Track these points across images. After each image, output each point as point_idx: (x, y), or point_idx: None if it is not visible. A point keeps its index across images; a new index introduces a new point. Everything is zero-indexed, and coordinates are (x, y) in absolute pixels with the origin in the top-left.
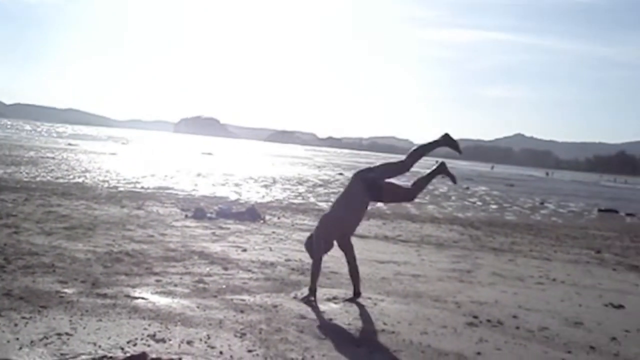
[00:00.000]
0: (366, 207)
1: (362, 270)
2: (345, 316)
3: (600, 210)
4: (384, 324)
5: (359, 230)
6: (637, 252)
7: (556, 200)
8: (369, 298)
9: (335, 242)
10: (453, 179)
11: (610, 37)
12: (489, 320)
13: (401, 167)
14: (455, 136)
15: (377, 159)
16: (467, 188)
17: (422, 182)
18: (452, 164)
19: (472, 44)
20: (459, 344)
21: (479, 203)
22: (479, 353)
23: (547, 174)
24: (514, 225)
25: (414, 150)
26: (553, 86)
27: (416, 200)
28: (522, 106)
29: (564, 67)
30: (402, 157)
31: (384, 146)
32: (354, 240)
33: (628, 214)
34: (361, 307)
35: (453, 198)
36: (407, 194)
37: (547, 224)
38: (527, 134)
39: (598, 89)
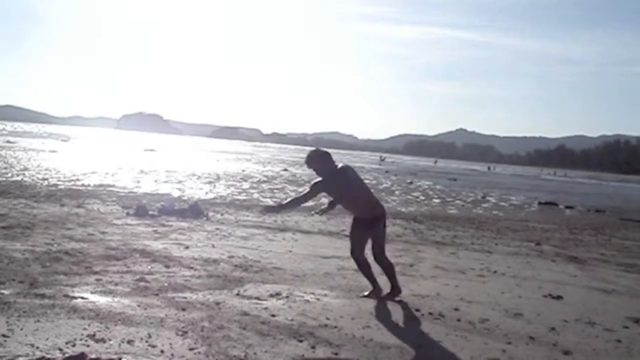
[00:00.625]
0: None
1: (306, 265)
2: (288, 312)
3: (540, 203)
4: (327, 318)
5: (303, 226)
6: (576, 244)
7: (498, 194)
8: (312, 293)
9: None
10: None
11: (550, 33)
12: (430, 313)
13: None
14: (399, 131)
15: None
16: (411, 183)
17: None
18: (396, 159)
19: (417, 40)
20: (401, 337)
21: (422, 197)
22: (420, 346)
23: (489, 168)
24: (456, 218)
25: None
26: (495, 82)
27: None
28: (465, 101)
29: (506, 63)
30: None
31: (329, 141)
32: (298, 235)
33: (567, 207)
34: (304, 302)
35: (397, 193)
36: None
37: (488, 217)
38: (470, 129)
39: (539, 85)
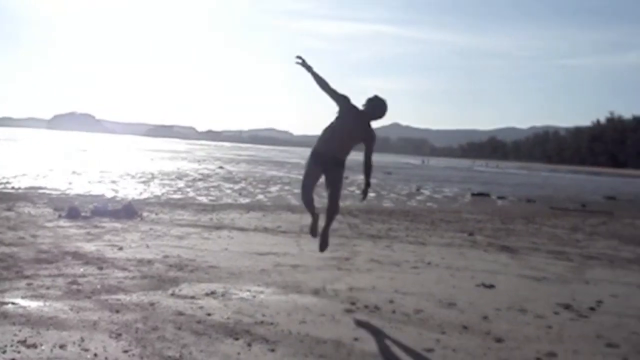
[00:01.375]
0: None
1: (242, 263)
2: (224, 310)
3: (473, 195)
4: (263, 315)
5: (239, 223)
6: (508, 234)
7: (432, 186)
8: (248, 290)
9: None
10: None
11: (481, 27)
12: (366, 306)
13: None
14: None
15: (258, 150)
16: (347, 177)
17: None
18: None
19: (349, 36)
20: (337, 331)
21: (358, 191)
22: (356, 339)
23: (423, 161)
24: (391, 212)
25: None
26: (427, 76)
27: (296, 190)
28: (398, 96)
29: (437, 57)
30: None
31: (264, 138)
32: (234, 233)
33: (499, 197)
34: (240, 300)
35: None
36: None
37: (422, 210)
38: (403, 123)
39: (470, 78)
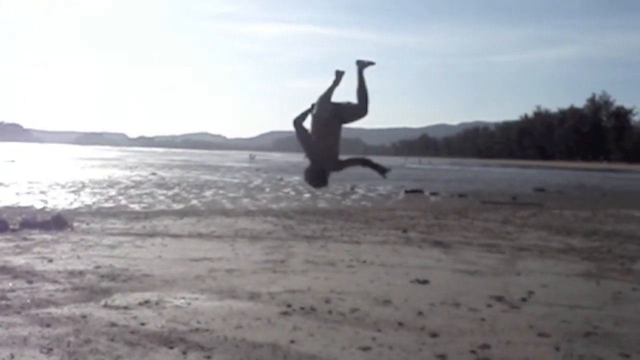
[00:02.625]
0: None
1: (176, 270)
2: (158, 319)
3: (406, 192)
4: (198, 322)
5: (173, 230)
6: (441, 229)
7: (366, 185)
8: (183, 298)
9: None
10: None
11: (410, 26)
12: (302, 308)
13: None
14: (268, 129)
15: (192, 155)
16: (281, 179)
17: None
18: (266, 156)
19: (279, 37)
20: (273, 334)
21: (293, 193)
22: (292, 341)
23: None
24: (325, 212)
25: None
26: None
27: (230, 194)
28: None
29: (369, 56)
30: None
31: (198, 142)
32: (167, 240)
33: (432, 193)
34: (175, 307)
35: (267, 190)
36: None
37: (357, 209)
38: None
39: (399, 77)
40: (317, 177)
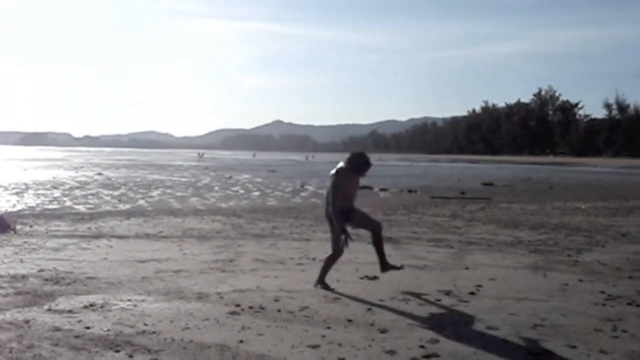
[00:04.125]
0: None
1: (122, 272)
2: (103, 322)
3: None
4: (145, 324)
5: (119, 230)
6: (390, 224)
7: (316, 182)
8: (129, 300)
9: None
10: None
11: (358, 22)
12: (251, 307)
13: None
14: (216, 127)
15: (139, 155)
16: (230, 177)
17: None
18: (215, 154)
19: (230, 34)
20: (221, 334)
21: (242, 191)
22: (241, 341)
23: (307, 157)
24: (275, 210)
25: None
26: (307, 73)
27: (178, 193)
28: (279, 93)
29: (316, 53)
30: None
31: (145, 141)
32: (113, 241)
33: (381, 189)
34: (121, 310)
35: (216, 189)
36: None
37: (307, 206)
38: (286, 120)
39: (348, 73)
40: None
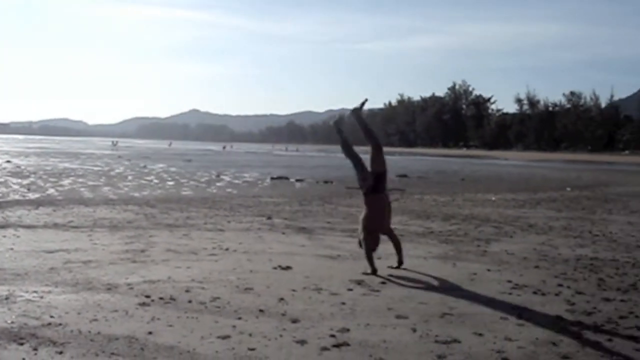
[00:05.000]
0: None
1: (29, 262)
2: (7, 314)
3: (272, 179)
4: (51, 316)
5: (27, 220)
6: (305, 215)
7: (232, 172)
8: (35, 292)
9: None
10: None
11: (275, 12)
12: (161, 298)
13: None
14: (131, 115)
15: (51, 142)
16: (144, 166)
17: None
18: (129, 143)
19: (146, 21)
20: (130, 326)
21: (156, 181)
22: (150, 332)
23: (224, 147)
24: (189, 199)
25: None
26: (225, 61)
27: (90, 182)
28: (196, 82)
29: (234, 42)
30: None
31: (57, 129)
32: (21, 231)
33: (298, 180)
34: (26, 302)
35: (130, 178)
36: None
37: (222, 196)
38: (203, 110)
39: (267, 63)
40: None
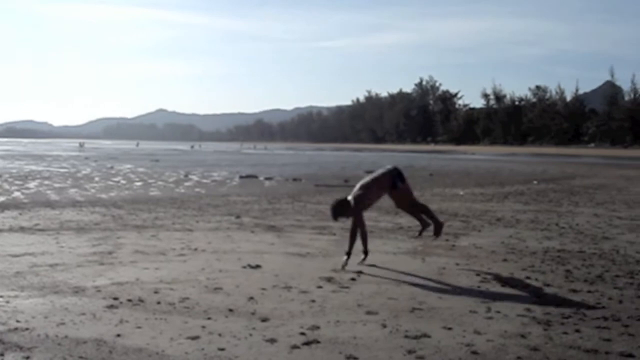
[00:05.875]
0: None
1: None
2: None
3: (241, 177)
4: (17, 321)
5: None
6: (274, 213)
7: (200, 172)
8: (1, 296)
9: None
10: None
11: (241, 10)
12: (129, 300)
13: None
14: (97, 116)
15: (16, 145)
16: (112, 167)
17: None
18: (96, 144)
19: (115, 20)
20: (98, 329)
21: (124, 181)
22: (118, 335)
23: (192, 146)
24: (157, 200)
25: None
26: (192, 61)
27: (56, 185)
28: (163, 82)
29: (202, 41)
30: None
31: (22, 131)
32: None
33: (267, 178)
34: None
35: (97, 179)
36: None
37: (190, 196)
38: (170, 109)
39: (234, 62)
40: None
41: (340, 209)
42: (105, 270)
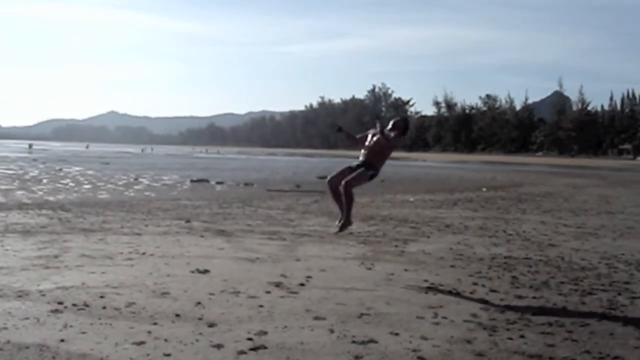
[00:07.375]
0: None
1: None
2: None
3: (192, 181)
4: None
5: None
6: (225, 218)
7: (151, 175)
8: None
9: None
10: None
11: (194, 13)
12: (74, 305)
13: None
14: (47, 116)
15: None
16: (60, 170)
17: None
18: (46, 146)
19: (56, 21)
20: (41, 334)
21: (72, 184)
22: (62, 340)
23: (143, 149)
24: (106, 203)
25: None
26: (144, 63)
27: (2, 186)
28: (114, 83)
29: (155, 43)
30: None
31: None
32: None
33: (218, 182)
34: None
35: (45, 181)
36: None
37: (140, 199)
38: (121, 111)
39: (187, 65)
40: None
41: (405, 129)
42: (50, 274)
